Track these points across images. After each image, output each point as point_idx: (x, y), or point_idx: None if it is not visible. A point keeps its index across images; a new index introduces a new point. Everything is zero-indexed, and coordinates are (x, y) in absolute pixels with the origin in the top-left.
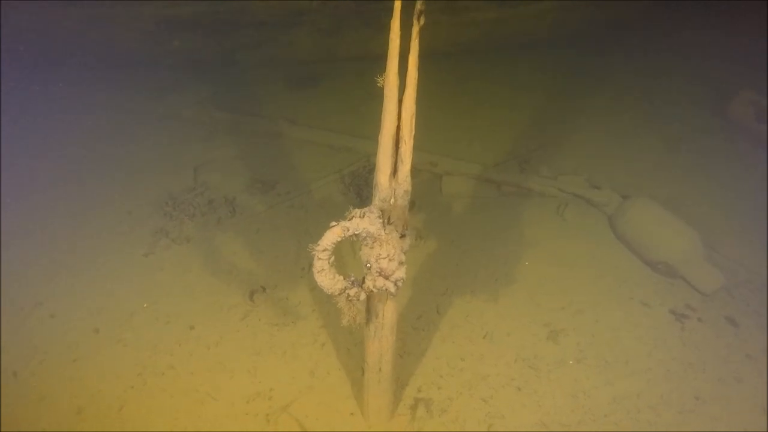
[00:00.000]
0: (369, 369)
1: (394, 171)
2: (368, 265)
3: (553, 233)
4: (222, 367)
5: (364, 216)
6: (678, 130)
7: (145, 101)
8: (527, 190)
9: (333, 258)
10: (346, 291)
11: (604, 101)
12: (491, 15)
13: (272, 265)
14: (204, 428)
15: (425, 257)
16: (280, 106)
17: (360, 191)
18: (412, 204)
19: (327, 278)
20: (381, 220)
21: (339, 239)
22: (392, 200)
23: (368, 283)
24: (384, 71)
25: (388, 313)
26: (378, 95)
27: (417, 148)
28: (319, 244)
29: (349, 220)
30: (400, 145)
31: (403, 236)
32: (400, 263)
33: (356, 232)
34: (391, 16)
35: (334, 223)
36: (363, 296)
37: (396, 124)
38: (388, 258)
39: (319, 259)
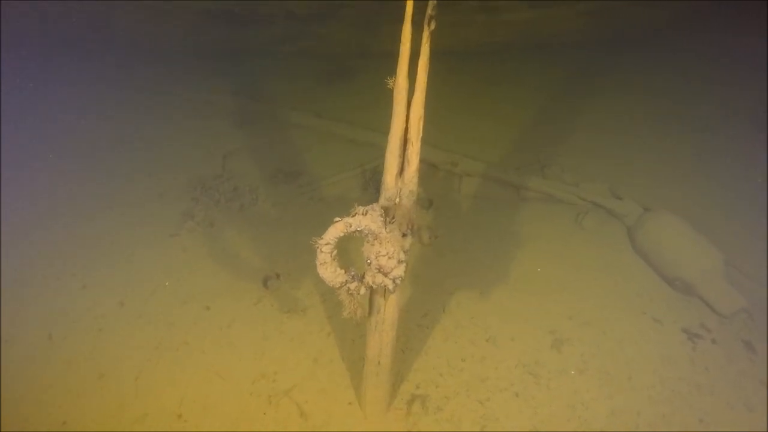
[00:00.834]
0: (368, 362)
1: (401, 171)
2: (368, 261)
3: (569, 241)
4: (231, 348)
5: (366, 214)
6: (712, 144)
7: (183, 89)
8: (547, 195)
9: (336, 252)
10: (347, 285)
11: (636, 108)
12: (525, 15)
13: (288, 254)
14: (210, 404)
15: (437, 256)
16: (311, 98)
17: (379, 187)
18: (430, 203)
19: (328, 271)
20: (383, 219)
21: (342, 234)
22: (397, 200)
23: (368, 279)
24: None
25: (389, 309)
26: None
27: (439, 147)
28: (322, 238)
29: (353, 216)
30: (407, 147)
31: (405, 235)
32: (399, 262)
33: (358, 229)
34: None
35: (337, 219)
36: (363, 291)
37: (404, 126)
38: (387, 256)
39: (322, 252)
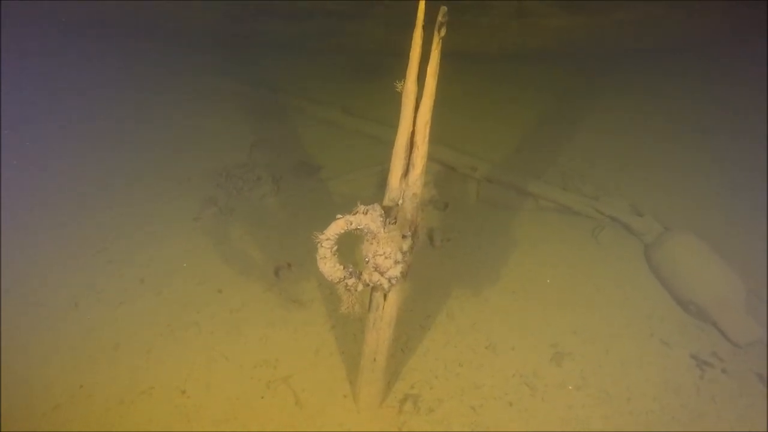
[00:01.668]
0: (364, 358)
1: (405, 174)
2: (366, 259)
3: (583, 255)
4: (238, 332)
5: (367, 213)
6: (744, 167)
7: (220, 77)
8: (565, 207)
9: (336, 247)
10: (345, 280)
11: (669, 126)
12: (561, 22)
13: (301, 245)
14: (213, 383)
15: (447, 258)
16: (341, 94)
17: None
18: (445, 205)
19: (328, 266)
20: (382, 219)
21: (342, 231)
22: (400, 201)
23: (365, 277)
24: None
25: (388, 308)
26: (438, 94)
27: (459, 150)
28: (323, 233)
29: (354, 214)
30: (413, 150)
31: (404, 237)
32: (396, 262)
33: (359, 227)
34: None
35: (339, 216)
36: (360, 287)
37: (411, 130)
38: (384, 255)
39: (322, 247)
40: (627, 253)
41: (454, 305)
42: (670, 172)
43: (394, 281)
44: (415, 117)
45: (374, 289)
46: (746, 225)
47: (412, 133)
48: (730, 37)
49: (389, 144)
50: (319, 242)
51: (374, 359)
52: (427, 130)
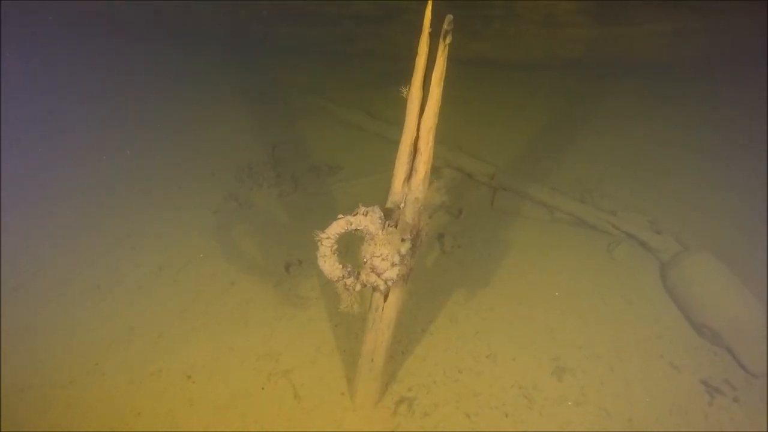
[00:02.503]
0: (362, 357)
1: (408, 178)
2: (365, 260)
3: (596, 270)
4: (245, 324)
5: (366, 214)
6: None
7: (249, 78)
8: (581, 220)
9: (336, 246)
10: (343, 279)
11: (700, 143)
12: (592, 33)
13: (313, 243)
14: (217, 371)
15: (456, 264)
16: (366, 98)
17: None
18: (459, 211)
19: (327, 264)
20: (381, 221)
21: (342, 231)
22: (402, 205)
23: (362, 277)
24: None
25: (387, 309)
26: (459, 100)
27: (477, 157)
28: (324, 232)
29: (354, 215)
30: (416, 156)
31: (404, 240)
32: (393, 264)
33: (358, 228)
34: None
35: (340, 216)
36: (358, 287)
37: (414, 135)
38: (381, 257)
39: (323, 245)
40: (642, 271)
41: (458, 311)
42: (694, 190)
43: (390, 283)
44: (419, 123)
45: (375, 290)
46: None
47: (416, 139)
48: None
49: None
50: (319, 240)
51: (372, 359)
52: (431, 136)
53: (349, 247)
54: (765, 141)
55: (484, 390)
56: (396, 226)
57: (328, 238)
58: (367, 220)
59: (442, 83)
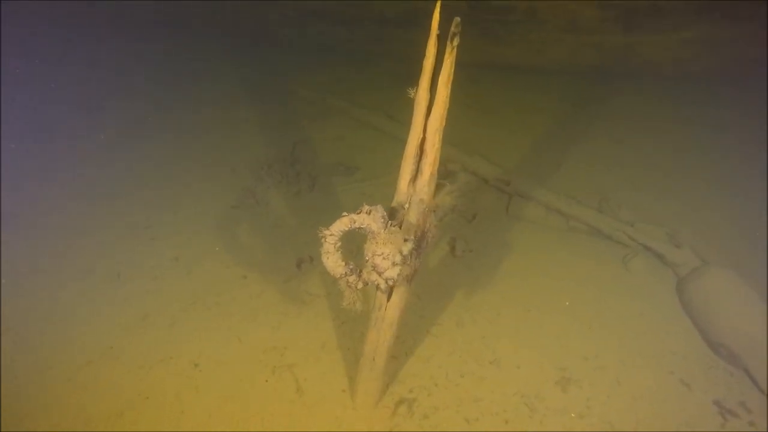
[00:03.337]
0: (364, 356)
1: (414, 179)
2: (367, 258)
3: (609, 281)
4: (254, 317)
5: (370, 213)
6: None
7: (272, 78)
8: (597, 230)
9: (339, 244)
10: (346, 277)
11: (730, 157)
12: (619, 40)
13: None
14: (224, 361)
15: (466, 269)
16: (386, 99)
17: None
18: (473, 216)
19: (331, 261)
20: (384, 220)
21: (346, 228)
22: (407, 206)
23: (364, 275)
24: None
25: (390, 309)
26: (479, 104)
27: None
28: (328, 229)
29: (357, 213)
30: (421, 157)
31: (406, 240)
32: (394, 264)
33: (362, 226)
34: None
35: (345, 214)
36: (360, 285)
37: (421, 136)
38: (382, 256)
39: (327, 242)
40: (657, 284)
41: (465, 316)
42: (720, 205)
43: (391, 282)
44: (425, 124)
45: (378, 289)
46: None
47: (423, 140)
48: None
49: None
50: (323, 237)
51: (373, 359)
52: (437, 138)
53: (361, 247)
54: None
55: (486, 396)
56: (400, 227)
57: (332, 234)
58: (370, 218)
59: (449, 85)
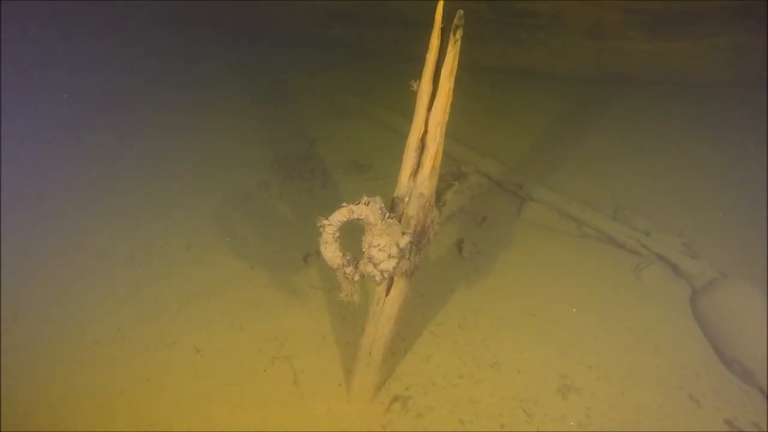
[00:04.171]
0: (360, 351)
1: (415, 173)
2: (364, 249)
3: (619, 290)
4: (258, 307)
5: (368, 204)
6: None
7: (297, 77)
8: (610, 237)
9: (338, 234)
10: (343, 268)
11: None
12: (643, 46)
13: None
14: (225, 348)
15: (472, 270)
16: (406, 101)
17: (440, 195)
18: (483, 218)
19: (329, 251)
20: (381, 211)
21: (345, 219)
22: (407, 199)
23: (361, 267)
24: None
25: (388, 304)
26: (501, 109)
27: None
28: (327, 219)
29: (356, 204)
30: (423, 151)
31: (404, 234)
32: (390, 256)
33: (359, 217)
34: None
35: (344, 204)
36: (357, 277)
37: (423, 130)
38: (378, 248)
39: (325, 232)
40: (670, 296)
41: (468, 317)
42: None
43: (386, 275)
44: (428, 117)
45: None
46: None
47: (424, 133)
48: None
49: (443, 153)
50: (322, 227)
51: (370, 353)
52: (438, 131)
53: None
54: None
55: (483, 399)
56: (400, 220)
57: (330, 224)
58: (368, 209)
59: (452, 78)
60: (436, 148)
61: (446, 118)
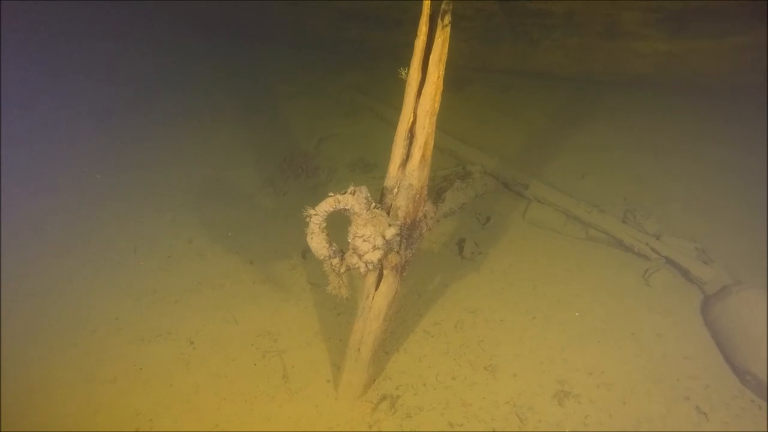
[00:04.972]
0: (349, 348)
1: (404, 163)
2: (349, 240)
3: (625, 295)
4: (254, 301)
5: (354, 194)
6: None
7: (309, 76)
8: (617, 240)
9: (324, 224)
10: (330, 259)
11: None
12: (661, 47)
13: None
14: (218, 341)
15: (473, 271)
16: None
17: (441, 193)
18: (487, 219)
19: (315, 241)
20: (367, 201)
21: (331, 209)
22: (395, 190)
23: (346, 258)
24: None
25: (377, 298)
26: (512, 111)
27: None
28: (314, 209)
29: (343, 194)
30: (412, 141)
31: (391, 225)
32: (375, 248)
33: (345, 207)
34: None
35: (331, 194)
36: (343, 269)
37: (412, 119)
38: (363, 238)
39: (311, 222)
40: (679, 302)
41: (466, 318)
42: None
43: (371, 266)
44: (416, 106)
45: (367, 277)
46: None
47: (413, 123)
48: None
49: (446, 153)
50: (308, 217)
51: (358, 350)
52: (428, 121)
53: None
54: None
55: (475, 402)
56: (388, 212)
57: (316, 215)
58: (353, 199)
59: (441, 65)
60: (426, 138)
61: (436, 107)
